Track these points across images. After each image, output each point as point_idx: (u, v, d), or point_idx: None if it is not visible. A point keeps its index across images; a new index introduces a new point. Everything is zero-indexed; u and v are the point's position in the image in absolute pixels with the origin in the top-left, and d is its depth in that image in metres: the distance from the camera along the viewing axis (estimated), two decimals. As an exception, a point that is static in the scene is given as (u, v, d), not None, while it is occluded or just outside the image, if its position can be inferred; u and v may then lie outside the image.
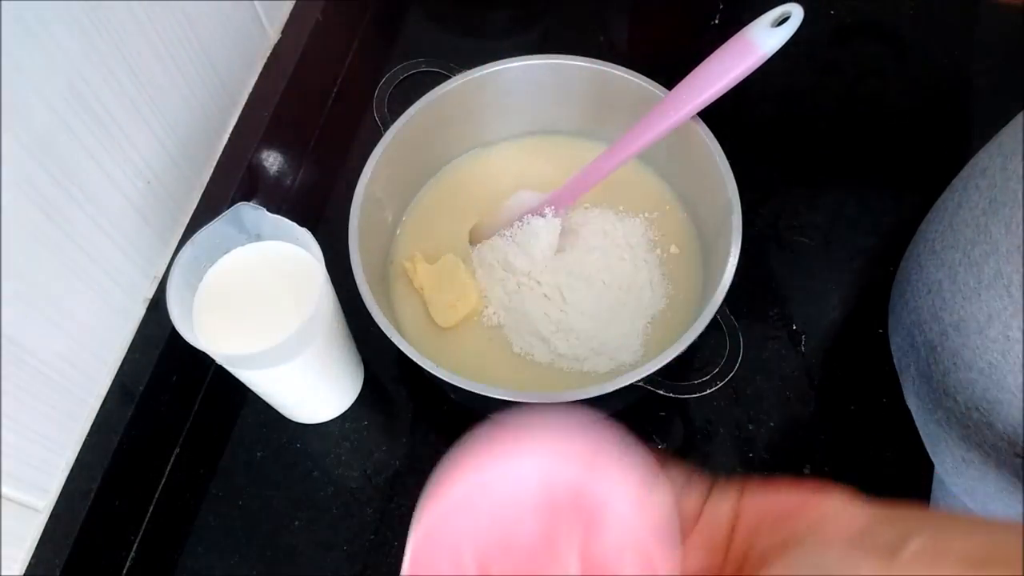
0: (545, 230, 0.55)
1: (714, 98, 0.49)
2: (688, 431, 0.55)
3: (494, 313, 0.55)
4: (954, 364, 0.47)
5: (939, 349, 0.49)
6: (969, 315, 0.46)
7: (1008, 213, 0.43)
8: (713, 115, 0.50)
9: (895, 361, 0.55)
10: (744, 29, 0.48)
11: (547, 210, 0.56)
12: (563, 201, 0.56)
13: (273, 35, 0.63)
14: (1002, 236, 0.44)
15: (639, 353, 0.54)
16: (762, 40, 0.46)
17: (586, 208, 0.58)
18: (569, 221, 0.57)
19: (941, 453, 0.52)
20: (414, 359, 0.46)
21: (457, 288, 0.54)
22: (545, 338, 0.54)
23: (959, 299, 0.47)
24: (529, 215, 0.56)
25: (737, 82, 0.48)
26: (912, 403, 0.53)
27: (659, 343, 0.54)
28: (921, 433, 0.53)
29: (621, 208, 0.59)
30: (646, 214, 0.59)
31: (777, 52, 0.47)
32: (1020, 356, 0.43)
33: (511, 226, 0.57)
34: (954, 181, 0.50)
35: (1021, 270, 0.42)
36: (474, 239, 0.58)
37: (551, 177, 0.59)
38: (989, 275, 0.44)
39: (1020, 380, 0.44)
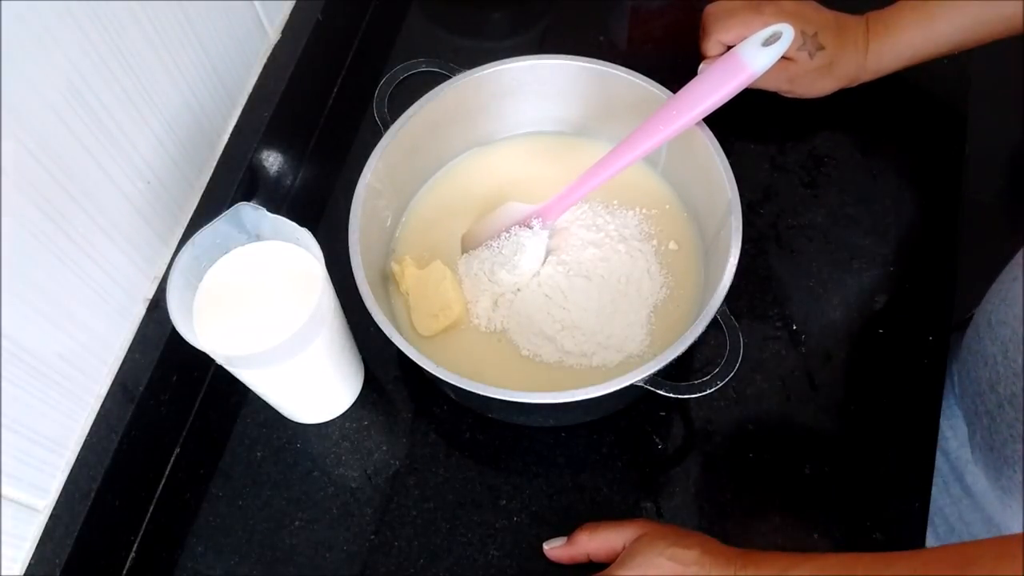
0: (531, 243, 0.55)
1: (703, 116, 0.49)
2: (688, 431, 0.55)
3: (488, 321, 0.55)
4: (1011, 436, 0.49)
5: (998, 420, 0.50)
6: (1021, 391, 0.47)
7: None
8: (713, 115, 0.50)
9: (966, 423, 0.55)
10: (735, 48, 0.48)
11: (535, 222, 0.56)
12: (551, 214, 0.56)
13: (273, 35, 0.63)
14: None
15: (645, 343, 0.54)
16: (752, 59, 0.47)
17: (575, 206, 0.58)
18: (560, 219, 0.57)
19: (1008, 519, 0.53)
20: (414, 359, 0.46)
21: (441, 298, 0.54)
22: (551, 337, 0.54)
23: (1010, 375, 0.48)
24: (517, 227, 0.56)
25: (727, 100, 0.48)
26: (979, 465, 0.55)
27: (664, 333, 0.54)
28: (992, 487, 0.54)
29: (615, 203, 0.59)
30: (643, 209, 0.59)
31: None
32: None
33: (498, 237, 0.56)
34: (1016, 255, 0.51)
35: None
36: (464, 247, 0.58)
37: (551, 177, 0.59)
38: None
39: None
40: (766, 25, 0.48)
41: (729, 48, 0.53)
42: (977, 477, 0.56)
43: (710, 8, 0.63)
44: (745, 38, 0.49)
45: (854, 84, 0.63)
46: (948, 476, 0.61)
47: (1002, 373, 0.49)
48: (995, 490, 0.54)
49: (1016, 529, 0.53)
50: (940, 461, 0.62)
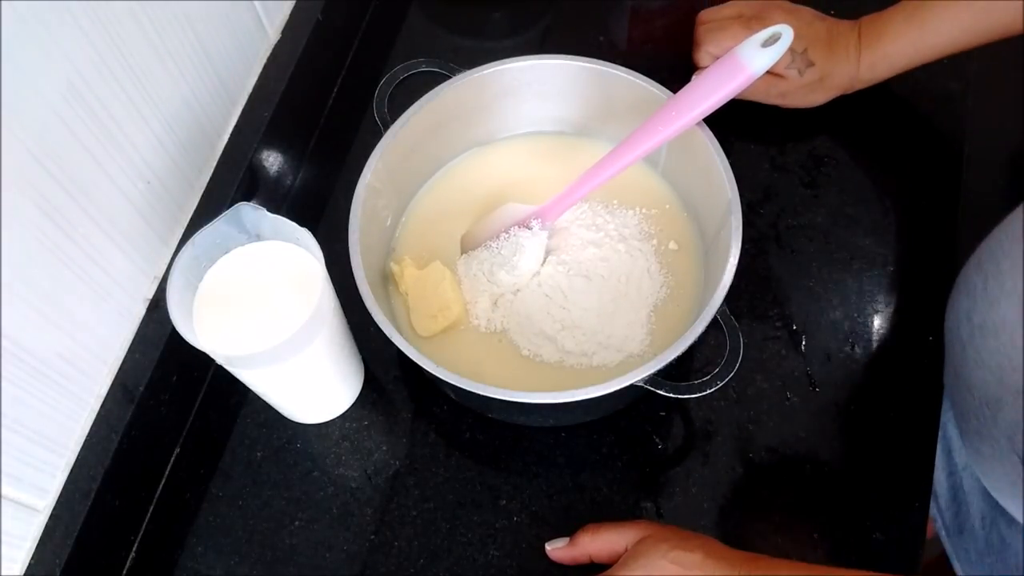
0: (530, 244, 0.55)
1: (702, 117, 0.49)
2: (688, 431, 0.56)
3: (488, 321, 0.55)
4: (975, 362, 0.50)
5: (968, 348, 0.51)
6: (989, 320, 0.49)
7: None
8: (713, 115, 0.50)
9: (945, 357, 0.57)
10: (734, 49, 0.48)
11: (534, 222, 0.56)
12: (550, 214, 0.56)
13: (273, 35, 0.63)
14: (1020, 250, 0.46)
15: (646, 343, 0.54)
16: (751, 60, 0.47)
17: (575, 205, 0.58)
18: (560, 219, 0.57)
19: (968, 442, 0.55)
20: (414, 359, 0.46)
21: (440, 299, 0.54)
22: (551, 337, 0.54)
23: (984, 305, 0.50)
24: (516, 227, 0.56)
25: (726, 100, 0.48)
26: (948, 393, 0.56)
27: (664, 333, 0.54)
28: (956, 420, 0.56)
29: (615, 202, 0.59)
30: (643, 209, 0.59)
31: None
32: (1021, 362, 0.45)
33: (497, 238, 0.56)
34: (1018, 208, 0.52)
35: None
36: (463, 248, 0.58)
37: (550, 177, 0.59)
38: (1009, 286, 0.47)
39: (1020, 384, 0.46)
40: None
41: None
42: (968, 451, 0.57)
43: (703, 17, 0.63)
44: None
45: (849, 92, 0.63)
46: (955, 444, 0.62)
47: (979, 302, 0.50)
48: (958, 417, 0.55)
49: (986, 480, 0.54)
50: (951, 431, 0.63)
